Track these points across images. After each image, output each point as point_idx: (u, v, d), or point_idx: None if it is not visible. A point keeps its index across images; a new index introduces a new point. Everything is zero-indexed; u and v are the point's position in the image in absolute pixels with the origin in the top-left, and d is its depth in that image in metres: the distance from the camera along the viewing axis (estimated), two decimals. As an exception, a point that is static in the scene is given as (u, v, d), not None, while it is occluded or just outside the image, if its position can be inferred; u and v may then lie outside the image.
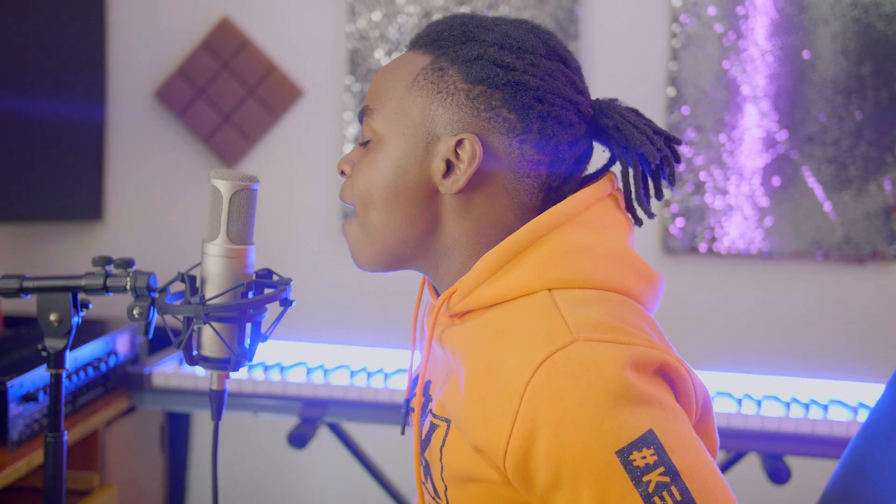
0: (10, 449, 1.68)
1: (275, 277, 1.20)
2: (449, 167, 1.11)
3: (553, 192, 1.15)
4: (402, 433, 1.37)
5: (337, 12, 2.67)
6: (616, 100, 1.20)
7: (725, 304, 2.61)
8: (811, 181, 2.53)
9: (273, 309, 1.17)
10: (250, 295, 1.16)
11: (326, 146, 2.71)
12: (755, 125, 2.54)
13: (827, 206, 2.53)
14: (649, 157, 1.16)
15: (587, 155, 1.19)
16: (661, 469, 0.93)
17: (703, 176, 2.56)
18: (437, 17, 2.59)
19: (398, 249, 1.15)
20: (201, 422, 2.69)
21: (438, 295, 1.21)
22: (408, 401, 1.30)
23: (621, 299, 1.08)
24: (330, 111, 2.70)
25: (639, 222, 1.21)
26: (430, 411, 1.13)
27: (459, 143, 1.10)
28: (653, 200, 1.21)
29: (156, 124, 2.75)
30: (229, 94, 2.70)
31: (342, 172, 1.19)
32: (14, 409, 1.68)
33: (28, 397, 1.72)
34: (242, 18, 2.69)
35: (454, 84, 1.11)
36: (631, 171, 1.20)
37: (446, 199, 1.13)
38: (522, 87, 1.10)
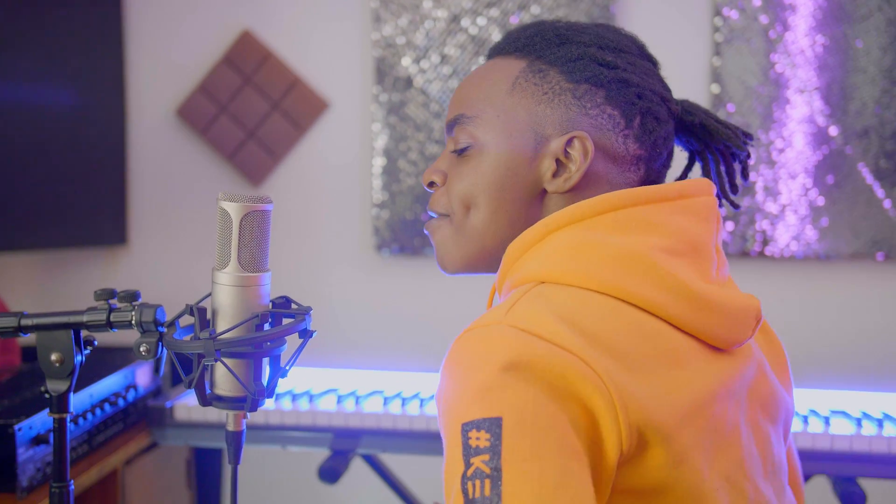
0: (19, 496, 1.59)
1: (293, 306, 1.12)
2: (558, 166, 1.14)
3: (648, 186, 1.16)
4: None
5: (361, 20, 2.59)
6: (685, 101, 1.26)
7: (780, 312, 2.47)
8: (868, 177, 2.41)
9: (294, 339, 1.09)
10: (266, 327, 1.08)
11: (356, 160, 2.63)
12: (806, 120, 2.42)
13: (887, 203, 2.41)
14: (736, 147, 1.23)
15: (672, 153, 1.21)
16: (486, 458, 0.91)
17: (752, 176, 2.44)
18: (466, 21, 2.50)
19: (495, 250, 1.17)
20: (232, 453, 2.61)
21: None
22: None
23: (610, 305, 1.02)
24: (358, 123, 2.62)
25: (735, 206, 1.26)
26: None
27: (570, 141, 1.12)
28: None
29: (178, 144, 2.69)
30: (253, 109, 2.63)
31: (431, 184, 1.22)
32: (23, 453, 1.59)
33: (39, 440, 1.62)
34: (263, 31, 2.62)
35: (558, 84, 1.14)
36: (716, 165, 1.25)
37: (552, 198, 1.15)
38: (625, 83, 1.14)
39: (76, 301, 2.59)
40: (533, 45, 1.17)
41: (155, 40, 2.67)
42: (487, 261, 1.19)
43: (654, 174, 1.17)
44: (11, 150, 2.36)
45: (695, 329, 1.04)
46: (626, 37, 1.19)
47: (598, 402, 0.93)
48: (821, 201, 2.43)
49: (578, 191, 1.13)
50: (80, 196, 2.55)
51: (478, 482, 0.90)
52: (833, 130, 2.41)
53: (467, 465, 0.91)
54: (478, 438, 0.92)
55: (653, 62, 1.21)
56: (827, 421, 1.91)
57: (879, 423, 1.90)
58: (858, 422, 1.90)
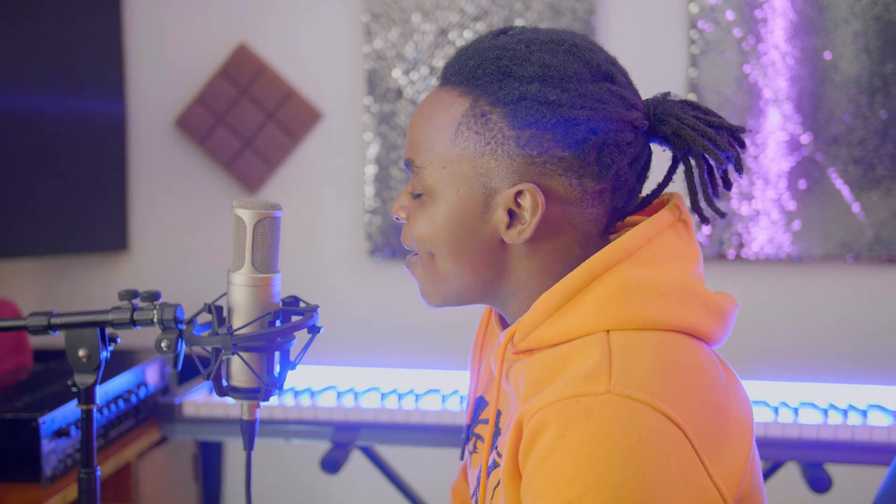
0: (44, 485, 1.68)
1: (302, 304, 1.20)
2: (511, 215, 1.07)
3: (617, 212, 1.12)
4: (462, 458, 1.33)
5: (353, 33, 2.68)
6: (668, 94, 1.14)
7: (756, 311, 2.57)
8: (838, 183, 2.50)
9: (301, 336, 1.16)
10: (278, 323, 1.15)
11: (348, 168, 2.71)
12: (779, 129, 2.52)
13: (855, 208, 2.50)
14: (715, 160, 1.10)
15: (648, 164, 1.13)
16: None
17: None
18: (453, 34, 2.59)
19: (465, 294, 1.13)
20: (234, 450, 2.68)
21: (505, 325, 1.20)
22: (469, 427, 1.27)
23: (683, 341, 1.03)
24: (350, 133, 2.70)
25: (705, 221, 1.16)
26: (496, 448, 1.12)
27: (519, 193, 1.05)
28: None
29: (177, 153, 2.76)
30: (249, 119, 2.71)
31: (397, 218, 1.16)
32: (46, 444, 1.68)
33: (60, 432, 1.71)
34: (259, 44, 2.70)
35: (501, 132, 1.05)
36: (699, 171, 1.14)
37: (513, 246, 1.09)
38: (573, 122, 1.04)
39: (79, 305, 2.68)
40: (475, 79, 1.07)
41: (154, 53, 2.74)
42: (466, 299, 1.14)
43: (620, 200, 1.10)
44: (16, 160, 2.42)
45: (715, 340, 1.09)
46: (576, 57, 1.06)
47: (701, 478, 0.97)
48: (793, 206, 2.52)
49: (539, 239, 1.08)
50: (82, 203, 2.61)
51: None
52: (805, 138, 2.51)
53: None
54: None
55: (611, 79, 1.08)
56: (796, 411, 2.00)
57: (844, 412, 1.99)
58: (825, 412, 1.99)
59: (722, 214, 1.15)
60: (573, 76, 1.05)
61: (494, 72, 1.06)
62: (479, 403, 1.27)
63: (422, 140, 1.11)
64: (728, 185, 1.16)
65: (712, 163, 1.12)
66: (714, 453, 0.98)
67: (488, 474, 1.11)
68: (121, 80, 2.70)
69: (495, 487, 1.08)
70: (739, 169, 1.13)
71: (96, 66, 2.64)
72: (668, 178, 1.18)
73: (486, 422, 1.22)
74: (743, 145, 1.14)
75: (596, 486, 0.92)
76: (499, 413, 1.16)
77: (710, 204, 1.15)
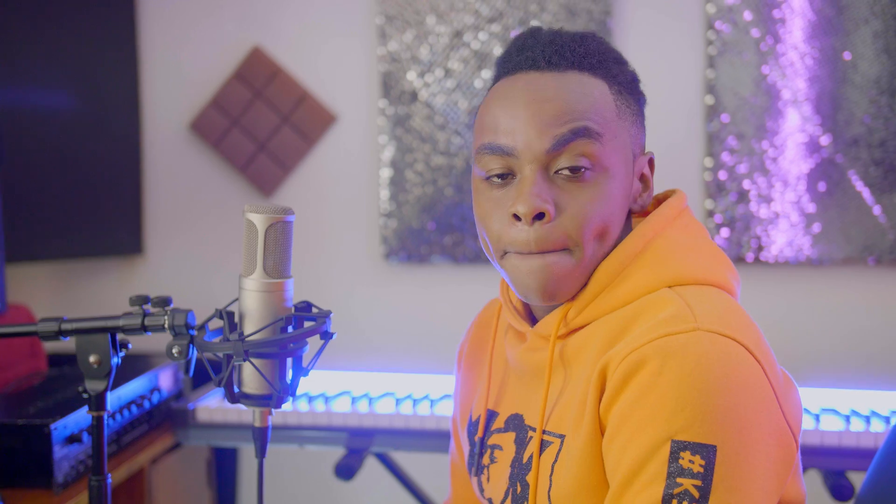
0: (56, 492, 1.67)
1: (314, 310, 1.19)
2: (642, 183, 1.19)
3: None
4: (474, 475, 1.31)
5: (368, 36, 2.67)
6: None
7: (775, 315, 2.54)
8: (858, 185, 2.47)
9: (314, 341, 1.15)
10: (290, 329, 1.15)
11: (363, 171, 2.69)
12: (798, 130, 2.49)
13: (876, 210, 2.47)
14: None
15: None
16: (699, 483, 0.95)
17: (746, 184, 2.51)
18: (468, 36, 2.58)
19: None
20: (248, 456, 2.67)
21: (531, 320, 1.23)
22: (482, 440, 1.28)
23: (726, 296, 1.12)
24: (365, 135, 2.69)
25: None
26: (544, 431, 1.14)
27: (649, 160, 1.20)
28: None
29: (192, 156, 2.76)
30: (263, 122, 2.70)
31: (539, 216, 1.08)
32: (58, 451, 1.67)
33: (72, 439, 1.70)
34: (273, 47, 2.69)
35: (632, 106, 1.17)
36: None
37: (623, 219, 1.17)
38: (644, 100, 1.22)
39: (95, 309, 2.67)
40: (605, 67, 1.14)
41: (169, 56, 2.74)
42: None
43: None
44: (31, 163, 2.42)
45: (736, 297, 1.19)
46: None
47: (786, 433, 1.05)
48: (813, 208, 2.50)
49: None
50: (97, 207, 2.61)
51: (685, 502, 0.95)
52: (824, 140, 2.48)
53: (673, 483, 0.96)
54: (691, 462, 0.96)
55: None
56: (817, 418, 1.97)
57: (867, 419, 1.96)
58: (847, 419, 1.96)
59: None
60: None
61: (610, 58, 1.17)
62: (491, 416, 1.28)
63: (590, 109, 1.10)
64: None
65: None
66: (782, 392, 1.06)
67: (530, 461, 1.13)
68: (135, 83, 2.70)
69: (553, 463, 1.10)
70: None
71: (111, 69, 2.64)
72: None
73: (501, 430, 1.24)
74: None
75: (700, 414, 0.97)
76: (520, 416, 1.21)
77: None
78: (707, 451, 0.96)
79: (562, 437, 1.11)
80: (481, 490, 1.28)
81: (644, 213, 1.23)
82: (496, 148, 1.11)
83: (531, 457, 1.15)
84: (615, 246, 1.14)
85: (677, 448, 0.96)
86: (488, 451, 1.26)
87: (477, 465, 1.29)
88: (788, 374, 1.14)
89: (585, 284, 1.13)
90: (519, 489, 1.16)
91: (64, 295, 2.81)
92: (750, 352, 1.03)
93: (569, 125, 1.08)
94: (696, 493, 0.95)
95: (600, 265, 1.12)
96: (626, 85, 1.17)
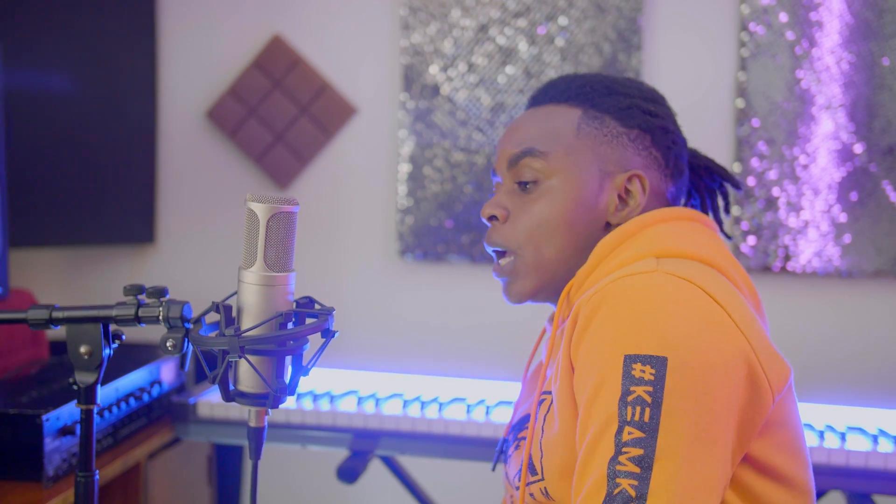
0: (45, 485, 1.61)
1: (317, 306, 1.14)
2: (619, 200, 1.28)
3: None
4: (493, 469, 1.51)
5: (390, 27, 2.62)
6: None
7: (801, 327, 2.47)
8: (892, 195, 2.40)
9: (316, 339, 1.11)
10: (290, 325, 1.10)
11: (381, 165, 2.65)
12: (830, 137, 2.42)
13: (910, 222, 2.39)
14: (734, 185, 1.45)
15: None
16: (650, 389, 1.02)
17: (775, 191, 2.43)
18: (493, 30, 2.52)
19: (564, 278, 1.28)
20: (253, 451, 2.63)
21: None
22: (505, 440, 1.39)
23: (721, 277, 1.19)
24: (385, 129, 2.64)
25: (728, 237, 1.48)
26: (545, 391, 1.23)
27: (630, 179, 1.28)
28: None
29: (207, 145, 2.72)
30: (281, 113, 2.66)
31: (493, 218, 1.31)
32: (50, 443, 1.61)
33: (65, 430, 1.65)
34: (294, 36, 2.65)
35: (614, 128, 1.29)
36: (712, 200, 1.46)
37: (610, 229, 1.28)
38: (665, 130, 1.32)
39: (104, 296, 2.64)
40: (584, 94, 1.31)
41: (187, 43, 2.70)
42: (554, 287, 1.29)
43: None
44: (44, 149, 2.40)
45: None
46: (655, 91, 1.36)
47: (751, 361, 1.09)
48: (843, 218, 2.42)
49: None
50: (110, 194, 2.59)
51: (638, 408, 1.01)
52: (858, 148, 2.41)
53: (626, 391, 1.03)
54: (642, 371, 1.03)
55: (674, 115, 1.38)
56: (843, 437, 1.90)
57: (895, 440, 1.90)
58: (875, 438, 1.89)
59: (729, 237, 1.50)
60: (659, 100, 1.35)
61: (602, 89, 1.31)
62: (524, 419, 1.34)
63: (542, 133, 1.29)
64: (728, 211, 1.52)
65: (715, 196, 1.47)
66: (760, 344, 1.11)
67: (538, 409, 1.22)
68: (153, 70, 2.67)
69: (545, 415, 1.20)
70: (728, 209, 1.50)
71: (128, 53, 2.62)
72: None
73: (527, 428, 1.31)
74: (727, 194, 1.50)
75: (651, 330, 1.05)
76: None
77: (720, 227, 1.45)
78: (657, 362, 1.03)
79: (550, 392, 1.21)
80: (505, 475, 1.36)
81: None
82: (492, 167, 1.37)
83: (538, 422, 1.23)
84: (569, 251, 1.27)
85: (630, 361, 1.04)
86: (515, 442, 1.34)
87: (505, 453, 1.39)
88: (787, 361, 1.18)
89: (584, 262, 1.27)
90: (527, 455, 1.23)
91: (72, 282, 2.78)
92: (714, 298, 1.10)
93: (520, 147, 1.29)
94: (647, 398, 1.02)
95: (599, 243, 1.24)
96: (614, 112, 1.29)
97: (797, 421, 1.20)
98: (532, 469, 1.20)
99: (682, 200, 1.39)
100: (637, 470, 1.00)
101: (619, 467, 1.00)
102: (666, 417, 1.01)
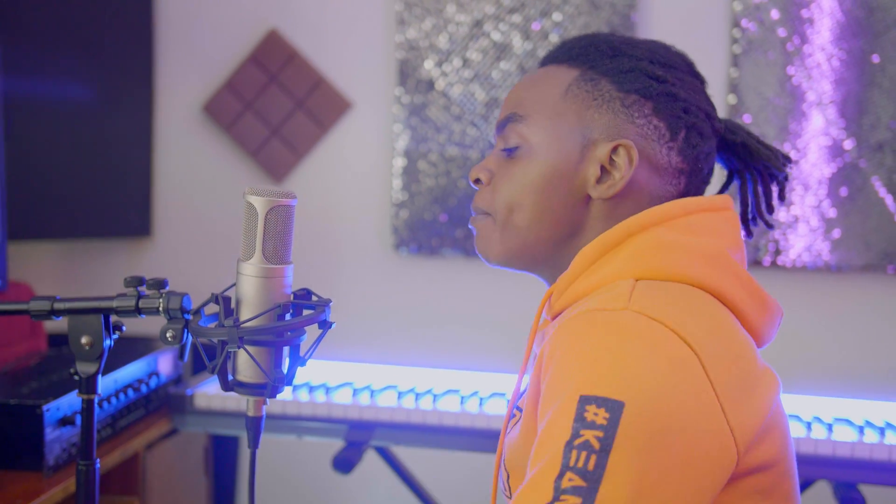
0: (46, 475, 1.63)
1: (314, 298, 1.15)
2: (602, 172, 1.16)
3: None
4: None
5: (385, 22, 2.63)
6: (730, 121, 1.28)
7: (791, 321, 2.47)
8: (881, 191, 2.43)
9: (313, 330, 1.12)
10: (287, 317, 1.11)
11: (377, 159, 2.67)
12: (821, 133, 2.44)
13: (899, 217, 2.42)
14: (775, 168, 1.27)
15: (710, 174, 1.24)
16: (601, 435, 0.93)
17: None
18: (488, 26, 2.54)
19: (535, 250, 1.20)
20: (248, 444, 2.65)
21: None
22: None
23: (708, 298, 1.08)
24: (380, 123, 2.66)
25: (750, 234, 1.30)
26: (517, 406, 1.18)
27: (615, 149, 1.15)
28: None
29: (204, 139, 2.74)
30: (277, 107, 2.67)
31: (477, 181, 1.24)
32: (50, 433, 1.63)
33: (65, 421, 1.67)
34: (290, 30, 2.66)
35: (609, 93, 1.17)
36: (753, 185, 1.29)
37: (594, 204, 1.17)
38: (672, 97, 1.17)
39: (101, 289, 2.64)
40: (586, 55, 1.20)
41: (184, 38, 2.72)
42: (530, 258, 1.21)
43: (693, 188, 1.20)
44: (42, 142, 2.41)
45: (755, 325, 1.12)
46: (676, 54, 1.23)
47: (714, 409, 0.98)
48: (833, 213, 2.45)
49: (621, 198, 1.16)
50: (107, 187, 2.60)
51: (584, 454, 0.92)
52: (848, 144, 2.43)
53: (575, 434, 0.93)
54: (595, 414, 0.94)
55: (701, 80, 1.24)
56: (830, 428, 1.92)
57: (881, 431, 1.91)
58: (861, 429, 1.92)
59: (771, 226, 1.31)
60: (676, 65, 1.21)
61: (607, 50, 1.19)
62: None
63: (528, 96, 1.21)
64: (783, 198, 1.32)
65: (771, 175, 1.29)
66: (730, 393, 1.00)
67: (507, 430, 1.17)
68: (149, 63, 2.68)
69: (508, 433, 1.16)
70: (783, 195, 1.31)
71: (125, 48, 2.63)
72: (722, 190, 1.29)
73: None
74: (786, 176, 1.30)
75: (610, 371, 0.96)
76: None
77: (762, 216, 1.30)
78: (613, 406, 0.94)
79: (521, 410, 1.14)
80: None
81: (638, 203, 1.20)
82: None
83: (512, 433, 1.18)
84: (542, 221, 1.18)
85: (584, 402, 0.95)
86: (517, 414, 1.30)
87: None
88: (773, 371, 1.10)
89: (566, 269, 1.17)
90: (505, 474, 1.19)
91: (70, 274, 2.80)
92: (685, 340, 0.99)
93: (506, 111, 1.22)
94: (596, 444, 0.93)
95: (580, 251, 1.14)
96: (613, 74, 1.18)
97: (782, 458, 1.08)
98: (505, 487, 1.17)
99: (703, 178, 1.23)
100: None
101: None
102: (612, 468, 0.92)
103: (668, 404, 0.95)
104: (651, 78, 1.17)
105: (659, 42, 1.24)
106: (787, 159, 1.29)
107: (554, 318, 1.17)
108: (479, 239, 1.23)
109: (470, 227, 1.25)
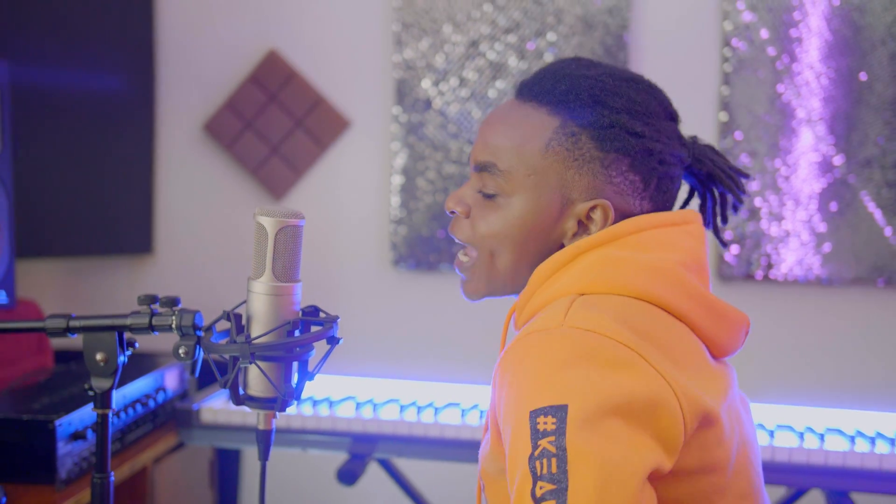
0: (58, 488, 1.66)
1: (321, 315, 1.18)
2: (579, 226, 1.22)
3: None
4: None
5: (383, 42, 2.67)
6: (695, 138, 1.33)
7: (783, 333, 2.54)
8: (871, 206, 2.47)
9: (320, 346, 1.16)
10: (297, 333, 1.15)
11: (374, 177, 2.70)
12: (811, 149, 2.49)
13: (888, 231, 2.46)
14: (736, 199, 1.34)
15: (675, 198, 1.30)
16: (553, 439, 0.99)
17: (758, 202, 2.51)
18: (484, 46, 2.58)
19: (511, 287, 1.27)
20: (251, 458, 2.67)
21: None
22: None
23: (650, 309, 1.14)
24: (378, 142, 2.69)
25: (723, 244, 1.38)
26: (488, 419, 1.22)
27: (593, 207, 1.20)
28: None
29: (204, 157, 2.77)
30: (277, 126, 2.71)
31: (452, 212, 1.29)
32: (62, 447, 1.67)
33: (76, 436, 1.70)
34: (289, 51, 2.70)
35: (589, 152, 1.20)
36: (713, 204, 1.35)
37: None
38: (650, 153, 1.21)
39: (104, 306, 2.68)
40: (566, 103, 1.21)
41: (185, 58, 2.75)
42: (508, 290, 1.28)
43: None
44: (44, 159, 2.43)
45: (708, 334, 1.17)
46: (654, 97, 1.25)
47: (661, 393, 1.04)
48: (824, 227, 2.49)
49: None
50: (108, 205, 2.62)
51: (545, 461, 0.98)
52: (837, 160, 2.48)
53: (534, 446, 1.00)
54: (545, 423, 1.00)
55: (674, 118, 1.28)
56: (822, 437, 1.96)
57: (872, 440, 1.95)
58: (852, 439, 1.95)
59: (725, 244, 1.38)
60: (653, 113, 1.23)
61: (587, 99, 1.21)
62: None
63: (508, 146, 1.23)
64: (736, 209, 1.38)
65: (729, 198, 1.35)
66: (671, 371, 1.06)
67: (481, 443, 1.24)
68: (151, 82, 2.71)
69: (481, 449, 1.22)
70: (736, 208, 1.37)
71: (127, 67, 2.65)
72: (684, 205, 1.38)
73: None
74: (745, 191, 1.36)
75: (550, 382, 1.03)
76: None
77: (716, 232, 1.37)
78: (558, 410, 1.00)
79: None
80: None
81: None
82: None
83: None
84: (520, 266, 1.24)
85: (535, 416, 1.01)
86: None
87: None
88: (728, 376, 1.18)
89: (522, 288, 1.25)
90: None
91: (73, 292, 2.82)
92: (622, 343, 1.06)
93: (485, 156, 1.25)
94: (552, 449, 0.99)
95: (535, 270, 1.21)
96: (593, 130, 1.20)
97: (739, 460, 1.15)
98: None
99: (665, 207, 1.28)
100: None
101: None
102: (572, 464, 0.97)
103: (608, 390, 1.02)
104: (630, 134, 1.20)
105: (636, 79, 1.26)
106: (748, 177, 1.38)
107: (518, 330, 1.25)
108: (465, 283, 1.30)
109: (455, 269, 1.32)
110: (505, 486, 1.14)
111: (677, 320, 1.15)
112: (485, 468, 1.20)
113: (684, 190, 1.39)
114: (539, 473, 0.98)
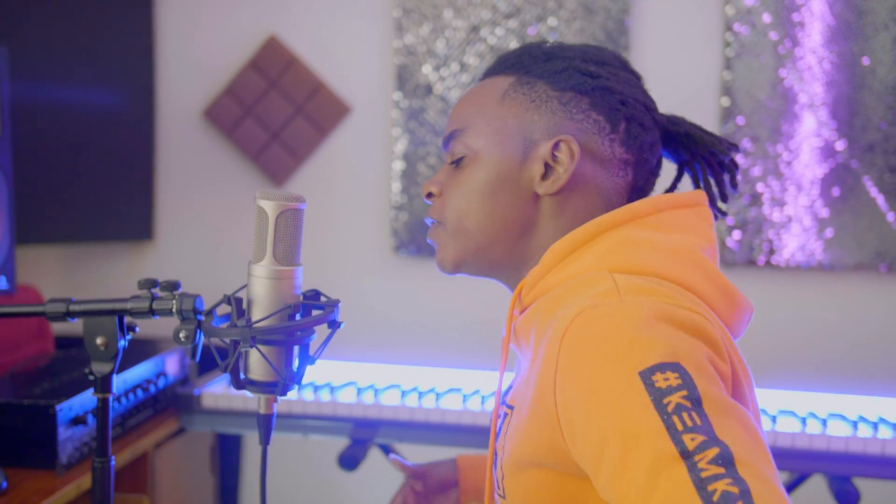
0: (59, 473, 1.66)
1: (322, 299, 1.18)
2: (547, 169, 1.19)
3: (637, 192, 1.24)
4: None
5: (384, 28, 2.66)
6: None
7: (785, 319, 2.54)
8: (873, 191, 2.46)
9: (321, 330, 1.15)
10: (298, 317, 1.14)
11: (375, 163, 2.70)
12: (813, 134, 2.48)
13: (890, 217, 2.46)
14: (720, 153, 1.29)
15: (661, 161, 1.27)
16: (684, 392, 0.92)
17: (759, 187, 2.50)
18: (485, 31, 2.58)
19: (489, 252, 1.23)
20: (252, 443, 2.68)
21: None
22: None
23: (680, 289, 1.10)
24: (378, 127, 2.69)
25: (723, 214, 1.32)
26: (505, 402, 1.19)
27: (556, 145, 1.18)
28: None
29: (205, 144, 2.76)
30: (277, 112, 2.70)
31: (429, 195, 1.27)
32: (63, 432, 1.67)
33: (77, 420, 1.70)
34: (289, 37, 2.69)
35: (545, 93, 1.20)
36: (703, 175, 1.31)
37: (543, 201, 1.20)
38: (608, 90, 1.20)
39: (104, 292, 2.68)
40: (521, 62, 1.24)
41: (185, 45, 2.74)
42: (486, 261, 1.23)
43: (641, 180, 1.24)
44: (44, 146, 2.43)
45: (723, 317, 1.15)
46: (609, 53, 1.26)
47: (722, 344, 1.03)
48: (826, 213, 2.49)
49: (567, 192, 1.19)
50: (108, 192, 2.62)
51: (685, 414, 0.90)
52: (839, 145, 2.47)
53: (660, 404, 0.91)
54: (666, 379, 0.93)
55: (636, 76, 1.27)
56: (824, 423, 1.96)
57: (874, 425, 1.95)
58: (855, 424, 1.95)
59: (724, 213, 1.33)
60: (609, 62, 1.24)
61: (540, 55, 1.23)
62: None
63: (467, 109, 1.25)
64: (734, 185, 1.33)
65: (720, 163, 1.31)
66: (725, 334, 1.07)
67: (499, 429, 1.17)
68: (150, 69, 2.70)
69: (505, 433, 1.14)
70: (734, 182, 1.32)
71: (126, 55, 2.65)
72: (674, 185, 1.34)
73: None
74: (736, 165, 1.33)
75: (650, 342, 0.96)
76: (506, 391, 1.24)
77: (715, 205, 1.30)
78: (674, 366, 0.94)
79: (512, 408, 1.14)
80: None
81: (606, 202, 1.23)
82: None
83: (500, 424, 1.19)
84: (493, 222, 1.21)
85: (647, 375, 0.93)
86: (504, 409, 1.30)
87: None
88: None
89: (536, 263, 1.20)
90: (495, 455, 1.20)
91: (73, 278, 2.82)
92: (678, 306, 1.03)
93: (449, 128, 1.26)
94: (687, 403, 0.91)
95: (551, 248, 1.16)
96: (547, 76, 1.21)
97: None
98: (498, 485, 1.17)
99: (652, 170, 1.26)
100: (722, 470, 0.87)
101: (703, 474, 0.87)
102: (715, 415, 0.91)
103: (700, 347, 0.99)
104: (584, 74, 1.20)
105: (593, 45, 1.28)
106: (732, 145, 1.31)
107: (522, 311, 1.19)
108: (437, 252, 1.27)
109: (429, 241, 1.29)
110: (530, 477, 1.08)
111: (702, 301, 1.13)
112: (510, 459, 1.11)
113: (673, 169, 1.36)
114: (681, 428, 0.90)
